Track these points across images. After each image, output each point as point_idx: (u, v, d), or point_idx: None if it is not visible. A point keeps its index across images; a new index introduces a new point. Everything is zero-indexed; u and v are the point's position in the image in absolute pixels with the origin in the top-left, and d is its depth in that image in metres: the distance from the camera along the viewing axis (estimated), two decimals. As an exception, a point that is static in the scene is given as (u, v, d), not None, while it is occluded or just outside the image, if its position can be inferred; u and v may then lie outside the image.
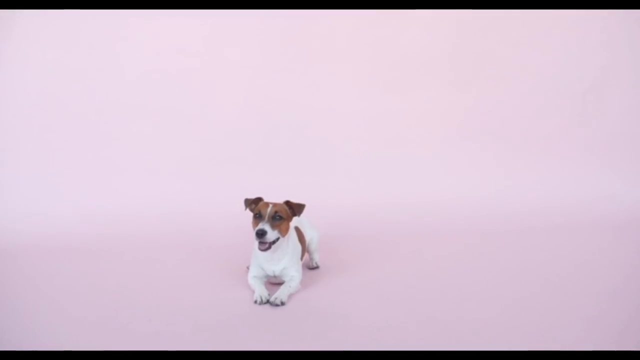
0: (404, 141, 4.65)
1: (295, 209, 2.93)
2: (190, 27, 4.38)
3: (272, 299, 2.78)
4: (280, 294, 2.81)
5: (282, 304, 2.77)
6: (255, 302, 2.79)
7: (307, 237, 3.31)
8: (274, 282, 3.04)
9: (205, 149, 4.48)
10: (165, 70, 4.41)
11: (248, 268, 3.13)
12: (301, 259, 3.12)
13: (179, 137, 4.46)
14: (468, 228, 4.17)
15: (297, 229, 3.19)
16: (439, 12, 4.50)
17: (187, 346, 2.34)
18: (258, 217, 2.86)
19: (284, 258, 2.96)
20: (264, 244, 2.81)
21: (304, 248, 3.22)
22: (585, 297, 2.83)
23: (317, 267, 3.37)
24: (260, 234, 2.77)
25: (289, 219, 2.93)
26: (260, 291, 2.84)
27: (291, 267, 2.98)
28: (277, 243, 2.89)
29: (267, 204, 2.88)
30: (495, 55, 4.66)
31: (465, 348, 2.29)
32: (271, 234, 2.80)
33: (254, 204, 2.95)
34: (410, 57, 4.61)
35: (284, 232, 2.89)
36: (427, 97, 4.65)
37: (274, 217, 2.84)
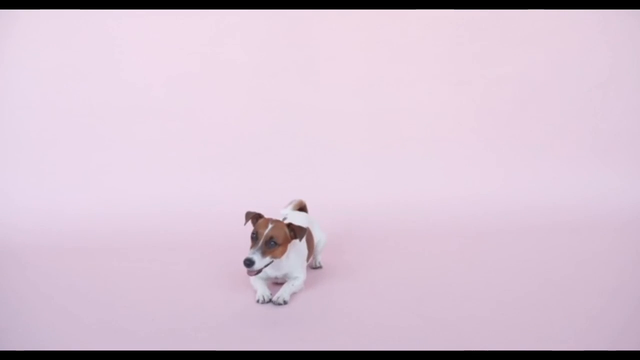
0: (405, 141, 4.65)
1: (297, 232, 2.78)
2: (190, 27, 4.39)
3: (274, 298, 2.76)
4: (283, 293, 2.79)
5: (285, 302, 2.75)
6: (258, 301, 2.77)
7: (316, 238, 3.25)
8: (278, 282, 3.02)
9: (207, 149, 4.49)
10: (166, 70, 4.42)
11: (253, 217, 2.99)
12: (308, 259, 3.08)
13: (179, 137, 4.47)
14: (469, 227, 4.17)
15: (308, 230, 3.11)
16: (439, 11, 4.49)
17: (189, 346, 2.34)
18: (254, 237, 2.74)
19: (286, 261, 2.88)
20: (252, 271, 2.67)
21: (312, 249, 3.14)
22: (585, 296, 2.83)
23: (319, 267, 3.36)
24: (248, 264, 2.64)
25: (286, 242, 2.79)
26: (263, 290, 2.82)
27: (294, 270, 2.92)
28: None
29: (266, 224, 2.75)
30: (495, 54, 4.66)
31: (466, 348, 2.29)
32: (260, 263, 2.67)
33: (255, 219, 2.83)
34: (410, 57, 4.61)
35: (278, 255, 2.76)
36: (427, 96, 4.65)
37: (268, 243, 2.70)
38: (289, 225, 2.79)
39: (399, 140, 4.65)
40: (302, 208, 3.42)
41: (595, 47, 4.71)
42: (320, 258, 3.38)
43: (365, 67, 4.60)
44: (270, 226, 2.73)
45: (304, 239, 2.91)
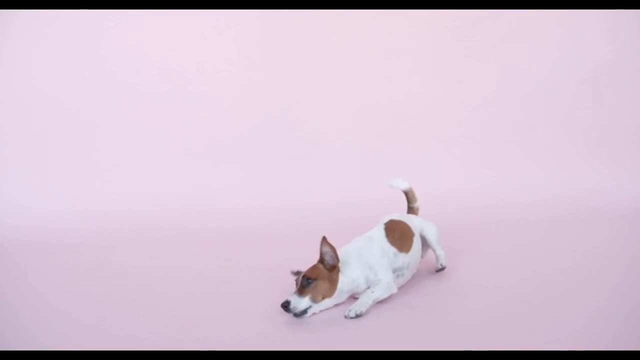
0: (402, 137, 4.64)
1: (322, 256, 2.59)
2: (183, 26, 4.37)
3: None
4: (358, 304, 2.55)
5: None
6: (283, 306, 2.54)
7: (418, 227, 3.01)
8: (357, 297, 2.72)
9: (202, 146, 4.46)
10: (161, 68, 4.40)
11: (295, 273, 2.78)
12: (406, 248, 2.85)
13: (175, 134, 4.45)
14: (465, 222, 4.15)
15: (393, 220, 2.95)
16: (433, 10, 4.47)
17: (185, 346, 2.32)
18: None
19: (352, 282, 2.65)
20: (293, 313, 2.51)
21: (407, 233, 2.91)
22: (583, 293, 2.82)
23: (442, 269, 3.02)
24: (285, 307, 2.49)
25: (325, 275, 2.57)
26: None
27: (370, 275, 2.67)
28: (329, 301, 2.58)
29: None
30: (489, 50, 4.65)
31: (464, 348, 2.28)
32: (296, 302, 2.50)
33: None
34: (404, 54, 4.60)
35: (321, 291, 2.54)
36: (421, 92, 4.64)
37: (303, 284, 2.53)
38: (320, 261, 2.61)
39: (395, 137, 4.65)
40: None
41: (587, 42, 4.71)
42: (443, 257, 3.04)
43: (360, 65, 4.59)
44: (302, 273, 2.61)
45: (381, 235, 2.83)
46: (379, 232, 2.87)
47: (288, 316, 2.57)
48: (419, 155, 4.65)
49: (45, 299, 2.83)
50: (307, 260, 3.31)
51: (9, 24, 4.15)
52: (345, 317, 2.52)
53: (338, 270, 2.60)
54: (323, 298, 2.55)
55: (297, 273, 2.71)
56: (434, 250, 3.07)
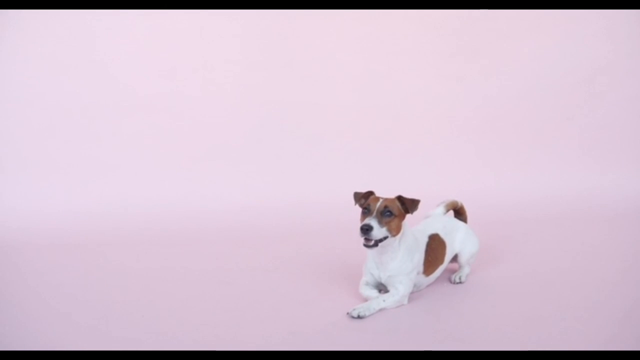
0: (400, 138, 4.65)
1: (407, 204, 2.62)
2: (183, 26, 4.36)
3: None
4: (364, 306, 2.56)
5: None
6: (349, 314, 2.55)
7: (456, 248, 2.97)
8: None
9: (200, 146, 4.46)
10: (161, 67, 4.38)
11: (363, 196, 2.72)
12: (430, 270, 2.82)
13: (172, 134, 4.44)
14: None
15: (437, 237, 2.88)
16: (430, 10, 4.47)
17: (182, 346, 2.32)
18: (366, 212, 2.60)
19: (392, 262, 2.67)
20: (369, 240, 2.54)
21: (439, 258, 2.87)
22: (582, 292, 2.83)
23: (459, 283, 2.96)
24: (366, 230, 2.51)
25: (402, 216, 2.63)
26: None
27: (398, 275, 2.67)
28: (386, 242, 2.60)
29: (377, 198, 2.62)
30: (490, 50, 4.65)
31: (465, 348, 2.28)
32: (378, 231, 2.53)
33: (364, 199, 2.68)
34: (403, 54, 4.60)
35: (393, 230, 2.59)
36: (420, 93, 4.64)
37: (383, 213, 2.57)
38: (399, 197, 2.65)
39: (394, 137, 4.65)
40: (457, 209, 3.20)
41: (585, 42, 4.71)
42: (467, 273, 3.02)
43: (360, 65, 4.59)
44: (381, 200, 2.62)
45: (414, 241, 2.74)
46: (424, 243, 2.81)
47: (287, 316, 2.58)
48: (418, 155, 4.65)
49: (45, 300, 2.83)
50: (307, 259, 3.33)
51: (8, 24, 4.15)
52: (347, 314, 2.55)
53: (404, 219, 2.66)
54: (394, 235, 2.61)
55: (366, 196, 2.68)
56: (459, 265, 3.03)
